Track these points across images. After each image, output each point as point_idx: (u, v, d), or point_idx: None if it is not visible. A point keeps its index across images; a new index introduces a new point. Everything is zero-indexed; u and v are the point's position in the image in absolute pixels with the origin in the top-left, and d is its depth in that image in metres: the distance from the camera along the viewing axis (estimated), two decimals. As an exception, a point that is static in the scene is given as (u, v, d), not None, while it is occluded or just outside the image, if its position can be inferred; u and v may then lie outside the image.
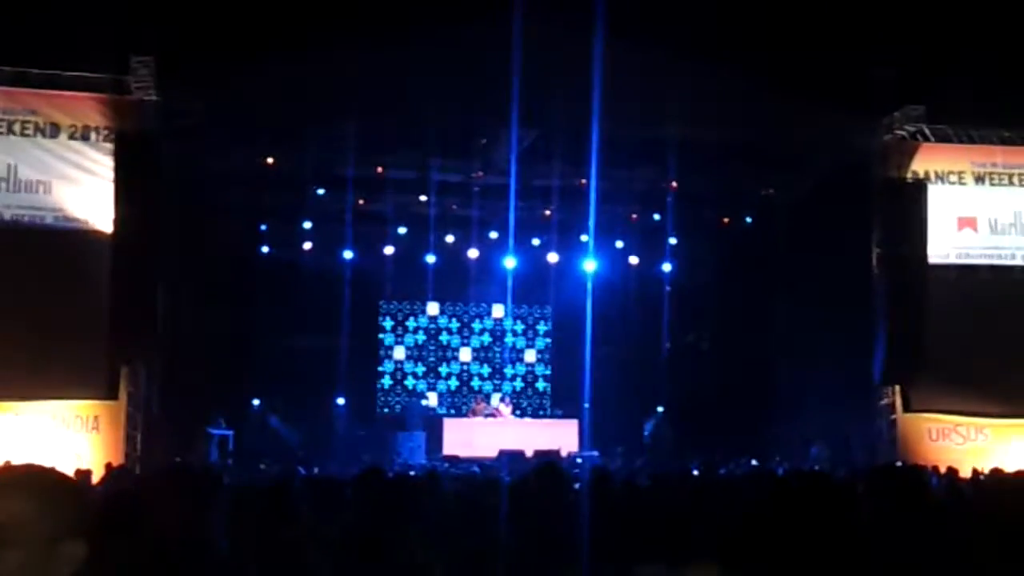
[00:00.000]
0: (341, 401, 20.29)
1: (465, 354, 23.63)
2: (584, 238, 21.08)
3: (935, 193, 17.32)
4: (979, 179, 17.50)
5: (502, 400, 22.13)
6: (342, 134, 17.36)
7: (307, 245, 20.62)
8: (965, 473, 13.10)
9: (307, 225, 20.18)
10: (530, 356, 23.84)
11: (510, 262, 21.33)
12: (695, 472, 11.55)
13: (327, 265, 20.58)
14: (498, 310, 23.72)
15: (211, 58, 15.34)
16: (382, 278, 22.39)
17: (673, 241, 21.30)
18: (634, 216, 21.26)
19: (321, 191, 19.54)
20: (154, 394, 15.52)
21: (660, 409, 21.70)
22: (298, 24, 15.87)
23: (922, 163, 17.34)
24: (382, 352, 23.34)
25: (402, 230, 21.00)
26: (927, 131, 17.24)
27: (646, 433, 21.45)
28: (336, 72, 15.78)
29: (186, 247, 16.76)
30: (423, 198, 20.34)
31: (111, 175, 15.18)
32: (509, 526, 5.39)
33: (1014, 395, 16.65)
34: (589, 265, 20.95)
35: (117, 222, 15.13)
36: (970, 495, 9.10)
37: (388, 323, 23.44)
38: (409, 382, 23.28)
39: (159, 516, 4.83)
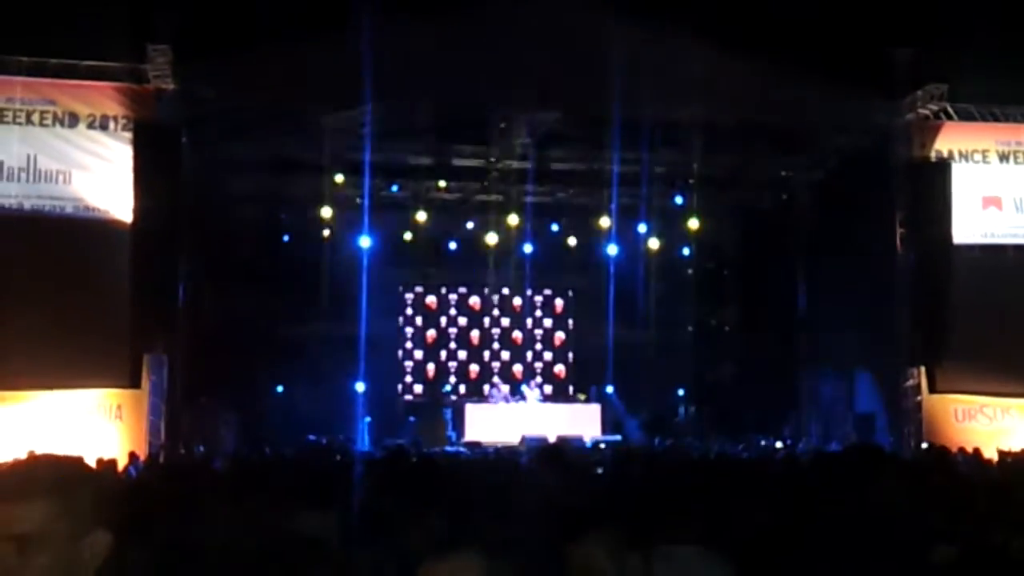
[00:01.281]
0: (360, 387, 20.25)
1: (487, 339, 23.59)
2: (605, 222, 20.99)
3: (959, 172, 17.15)
4: (1004, 157, 17.30)
5: (527, 384, 22.08)
6: (358, 120, 17.31)
7: (326, 232, 20.57)
8: (991, 454, 13.00)
9: (326, 212, 20.13)
10: (553, 340, 23.77)
11: (528, 248, 21.31)
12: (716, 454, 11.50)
13: (347, 251, 20.54)
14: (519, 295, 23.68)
15: (228, 45, 15.31)
16: (402, 264, 22.37)
17: (695, 224, 21.17)
18: (656, 198, 21.12)
19: (339, 177, 19.47)
20: (177, 382, 15.56)
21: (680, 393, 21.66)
22: (314, 9, 15.82)
23: (945, 142, 17.16)
24: (403, 338, 23.34)
25: (421, 216, 20.93)
26: (950, 110, 17.03)
27: (679, 417, 21.43)
28: (352, 56, 15.74)
29: (206, 235, 16.77)
30: (442, 183, 20.30)
31: (130, 164, 15.18)
32: (514, 506, 5.38)
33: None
34: (611, 248, 20.89)
35: (137, 211, 15.15)
36: (996, 475, 9.02)
37: (409, 310, 23.43)
38: (431, 367, 23.27)
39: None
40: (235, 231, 19.19)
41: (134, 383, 15.07)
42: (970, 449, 13.03)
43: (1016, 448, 13.19)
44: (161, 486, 8.95)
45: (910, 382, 16.88)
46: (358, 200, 19.88)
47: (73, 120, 15.18)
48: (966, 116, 17.10)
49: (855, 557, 4.59)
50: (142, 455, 13.83)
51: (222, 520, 5.10)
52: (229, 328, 17.95)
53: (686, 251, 22.41)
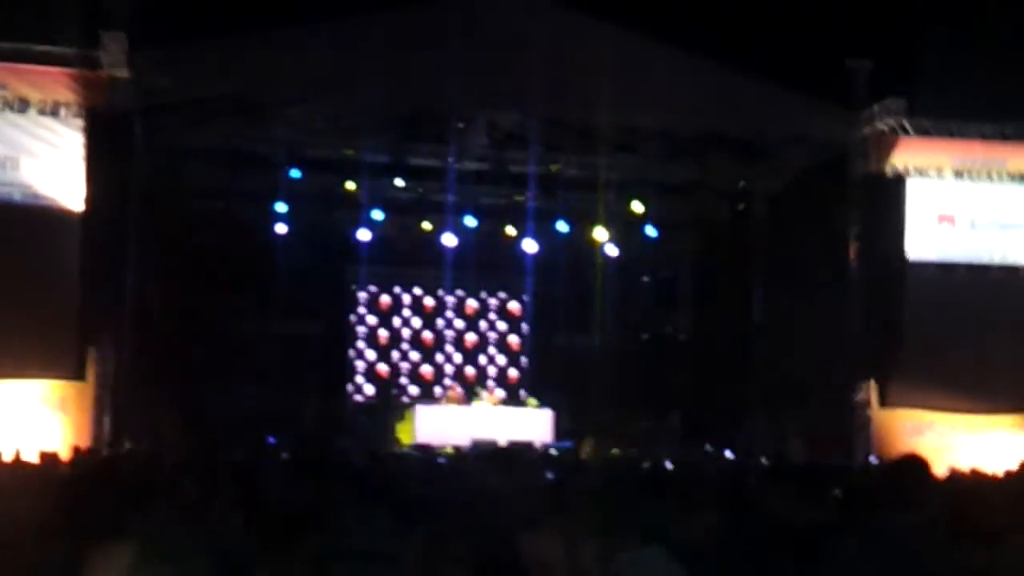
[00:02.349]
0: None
1: (440, 340, 23.43)
2: (562, 226, 20.94)
3: (914, 188, 17.25)
4: (959, 174, 17.41)
5: (487, 388, 21.92)
6: (316, 115, 17.15)
7: (280, 228, 20.33)
8: (940, 470, 13.02)
9: (280, 207, 19.89)
10: (506, 344, 23.66)
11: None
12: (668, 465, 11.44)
13: (300, 248, 20.30)
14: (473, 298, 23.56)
15: (184, 34, 15.13)
16: (356, 263, 22.19)
17: (652, 231, 21.15)
18: (612, 205, 21.08)
19: (295, 173, 19.25)
20: (123, 376, 15.30)
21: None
22: (273, 1, 15.69)
23: (902, 157, 17.25)
24: (355, 338, 23.12)
25: (377, 215, 20.75)
26: (907, 125, 17.11)
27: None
28: (311, 50, 15.60)
29: (157, 227, 16.52)
30: (399, 182, 20.14)
31: (81, 152, 14.92)
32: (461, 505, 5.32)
33: (990, 391, 16.63)
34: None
35: (87, 200, 14.90)
36: (946, 493, 9.01)
37: (361, 309, 23.22)
38: (382, 367, 23.07)
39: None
40: (187, 223, 18.92)
41: (79, 375, 14.82)
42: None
43: (964, 464, 13.22)
44: (103, 479, 8.78)
45: (860, 396, 16.94)
46: (313, 196, 19.68)
47: (23, 105, 14.90)
48: (923, 132, 17.18)
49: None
50: (85, 449, 13.57)
51: (162, 515, 4.98)
52: (177, 322, 17.70)
53: (642, 259, 22.40)
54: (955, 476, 10.58)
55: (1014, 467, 10.62)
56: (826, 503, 6.25)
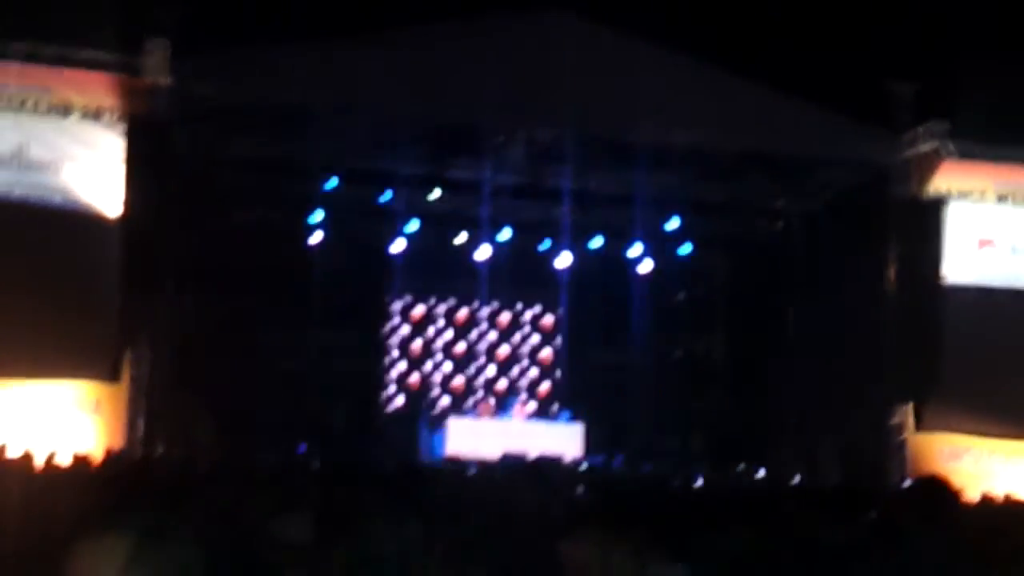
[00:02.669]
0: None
1: (473, 352, 23.42)
2: (598, 241, 20.90)
3: (956, 211, 17.10)
4: (1002, 198, 17.24)
5: (515, 401, 21.92)
6: (355, 125, 17.20)
7: (316, 237, 20.40)
8: (975, 496, 12.87)
9: (317, 217, 19.97)
10: (539, 357, 23.61)
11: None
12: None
13: (335, 258, 20.37)
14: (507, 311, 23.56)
15: (226, 43, 15.23)
16: (391, 273, 22.24)
17: (687, 249, 21.08)
18: (648, 222, 21.01)
19: (332, 183, 19.31)
20: (157, 379, 15.39)
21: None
22: (315, 12, 15.77)
23: (944, 180, 17.11)
24: (389, 348, 23.15)
25: (413, 226, 20.79)
26: (950, 147, 16.97)
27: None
28: (352, 61, 15.66)
29: (195, 233, 16.62)
30: (435, 194, 20.18)
31: (122, 157, 15.05)
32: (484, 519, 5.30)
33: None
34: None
35: (126, 205, 15.02)
36: (975, 516, 8.90)
37: (395, 319, 23.25)
38: (415, 378, 23.08)
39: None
40: (225, 231, 19.01)
41: (114, 377, 14.92)
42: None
43: (999, 491, 13.06)
44: (135, 481, 8.82)
45: (897, 419, 16.79)
46: (349, 207, 19.74)
47: (66, 111, 15.04)
48: (967, 154, 17.02)
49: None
50: (117, 451, 13.66)
51: (200, 515, 5.00)
52: (212, 328, 17.77)
53: (677, 276, 22.33)
54: (986, 501, 10.47)
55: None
56: (858, 525, 6.19)
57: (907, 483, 15.45)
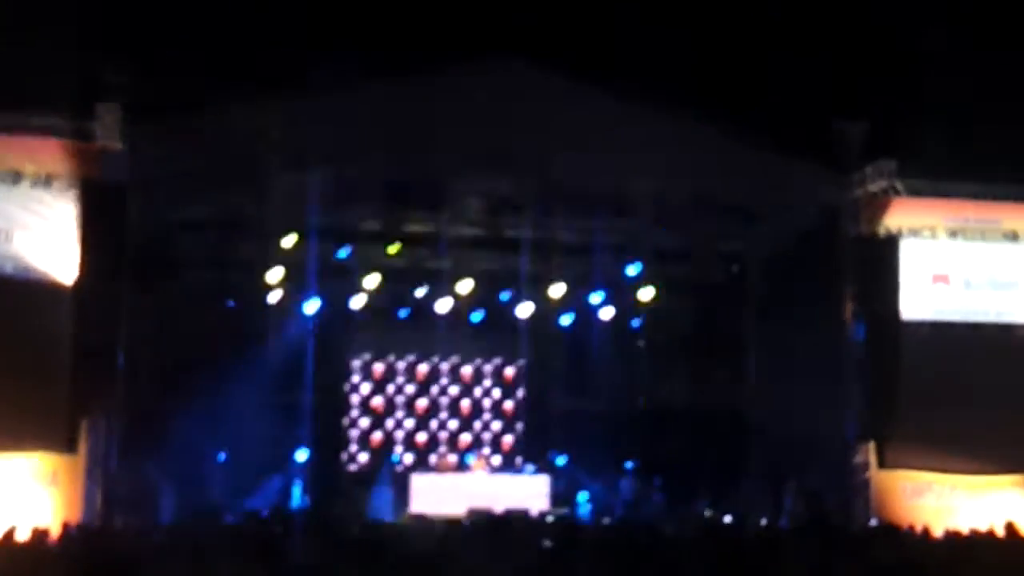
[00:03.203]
0: (302, 456, 19.90)
1: (435, 407, 23.31)
2: (557, 291, 20.93)
3: (908, 248, 17.27)
4: (952, 234, 17.43)
5: (476, 455, 21.81)
6: (309, 183, 17.16)
7: (273, 297, 20.27)
8: (940, 532, 12.90)
9: (274, 277, 19.85)
10: (502, 410, 23.52)
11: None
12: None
13: (294, 317, 20.24)
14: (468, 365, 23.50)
15: (177, 105, 15.18)
16: (350, 330, 22.15)
17: (647, 294, 21.14)
18: (607, 269, 21.07)
19: (288, 241, 19.21)
20: (114, 447, 15.18)
21: (628, 466, 21.49)
22: (265, 71, 15.77)
23: (895, 218, 17.28)
24: (349, 406, 22.99)
25: (371, 282, 20.70)
26: (899, 186, 17.17)
27: (624, 493, 21.18)
28: (305, 120, 15.67)
29: (150, 298, 16.47)
30: (393, 248, 20.12)
31: (73, 224, 14.92)
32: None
33: (989, 452, 16.57)
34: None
35: (80, 272, 14.87)
36: (944, 554, 8.92)
37: (356, 377, 23.11)
38: (377, 436, 22.92)
39: None
40: (180, 293, 18.87)
41: (71, 448, 14.69)
42: (919, 526, 12.93)
43: (963, 526, 13.11)
44: (92, 556, 8.65)
45: (859, 458, 16.83)
46: (306, 264, 19.63)
47: (17, 178, 14.89)
48: (915, 192, 17.22)
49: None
50: (74, 524, 13.40)
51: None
52: (169, 393, 17.59)
53: (637, 322, 22.38)
54: (950, 537, 10.51)
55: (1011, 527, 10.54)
56: (822, 565, 6.17)
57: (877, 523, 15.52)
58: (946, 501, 16.38)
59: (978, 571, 6.51)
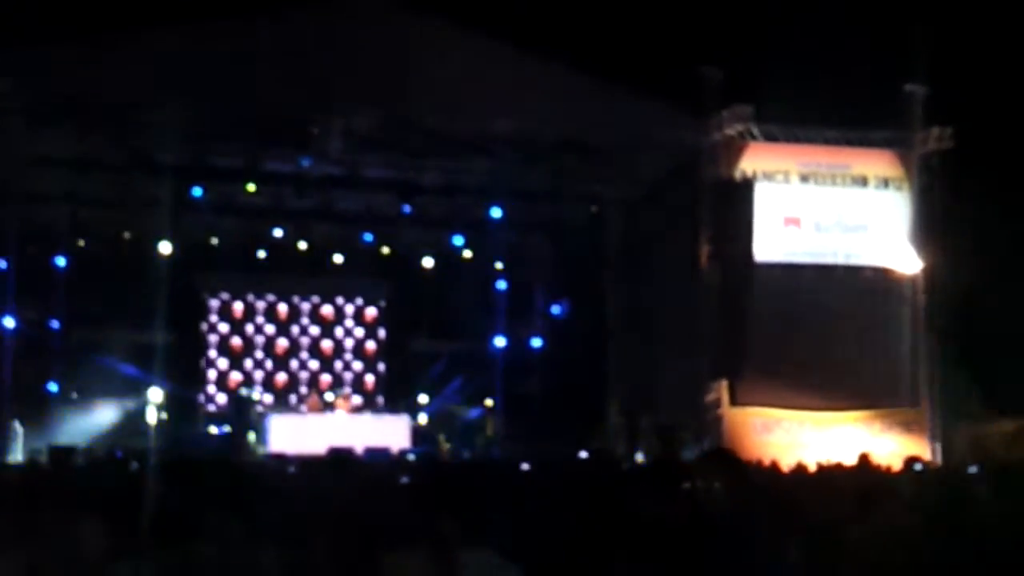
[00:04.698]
0: (158, 396, 19.54)
1: (296, 348, 23.11)
2: (418, 231, 20.88)
3: (762, 192, 17.67)
4: (804, 178, 17.90)
5: (339, 395, 21.69)
6: (167, 119, 16.70)
7: (127, 235, 19.77)
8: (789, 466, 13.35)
9: (128, 214, 19.33)
10: (363, 350, 23.44)
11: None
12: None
13: (150, 255, 19.75)
14: (329, 304, 23.32)
15: (31, 36, 14.62)
16: (208, 269, 21.75)
17: (509, 236, 21.24)
18: (469, 210, 21.06)
19: (143, 178, 18.70)
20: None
21: (489, 402, 21.67)
22: (125, 5, 15.29)
23: (750, 163, 17.65)
24: (207, 347, 22.63)
25: (230, 220, 20.33)
26: (755, 131, 17.53)
27: (471, 416, 21.40)
28: (162, 54, 15.24)
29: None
30: (252, 187, 19.77)
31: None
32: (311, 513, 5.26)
33: (836, 389, 17.15)
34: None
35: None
36: (788, 487, 9.24)
37: (213, 317, 22.74)
38: (236, 376, 22.62)
39: None
40: (33, 231, 18.27)
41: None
42: (767, 461, 13.35)
43: (810, 460, 13.58)
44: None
45: (712, 396, 17.28)
46: (163, 202, 19.16)
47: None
48: (770, 137, 17.63)
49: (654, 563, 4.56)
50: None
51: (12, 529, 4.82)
52: (22, 333, 17.08)
53: (498, 264, 22.46)
54: (799, 470, 10.88)
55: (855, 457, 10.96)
56: (675, 499, 6.34)
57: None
58: (796, 436, 16.94)
59: (829, 500, 6.76)
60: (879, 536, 5.07)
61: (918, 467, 11.94)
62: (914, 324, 17.80)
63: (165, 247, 19.45)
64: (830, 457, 12.86)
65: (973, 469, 10.86)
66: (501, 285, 22.50)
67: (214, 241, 20.79)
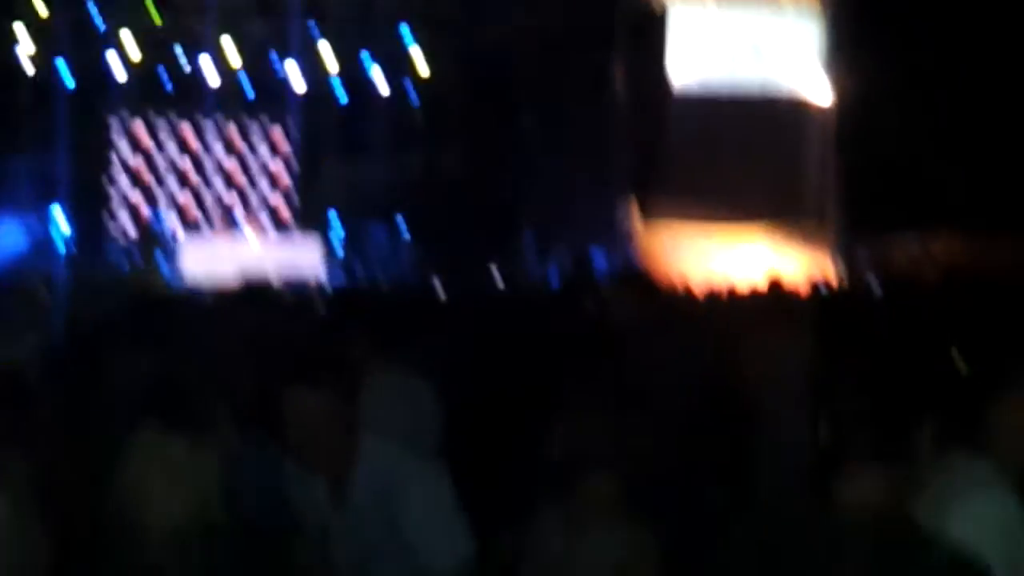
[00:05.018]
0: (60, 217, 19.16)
1: (203, 172, 22.60)
2: (328, 53, 20.46)
3: (678, 17, 17.59)
4: (721, 3, 17.83)
5: (249, 218, 21.40)
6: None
7: (23, 57, 19.03)
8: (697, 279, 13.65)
9: (21, 29, 18.55)
10: (272, 171, 23.00)
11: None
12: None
13: (47, 80, 19.10)
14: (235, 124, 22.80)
15: None
16: (110, 94, 21.09)
17: (421, 58, 20.91)
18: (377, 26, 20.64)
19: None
20: None
21: (402, 231, 21.65)
22: None
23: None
24: (112, 171, 22.05)
25: (128, 37, 19.61)
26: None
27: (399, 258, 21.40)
28: None
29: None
30: (154, 8, 19.10)
31: None
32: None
33: (741, 202, 17.44)
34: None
35: None
36: (701, 306, 9.45)
37: (118, 139, 22.09)
38: (142, 203, 22.13)
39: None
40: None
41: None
42: (679, 280, 13.60)
43: (719, 275, 13.87)
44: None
45: (623, 213, 17.54)
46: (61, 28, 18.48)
47: None
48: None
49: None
50: None
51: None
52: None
53: (411, 90, 22.14)
54: (712, 293, 11.10)
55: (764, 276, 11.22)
56: (590, 324, 6.45)
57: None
58: (704, 250, 17.29)
59: (739, 321, 6.92)
60: (783, 359, 5.22)
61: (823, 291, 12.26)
62: (823, 143, 18.08)
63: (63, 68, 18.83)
64: (738, 271, 13.17)
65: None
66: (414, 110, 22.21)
67: (114, 64, 20.11)
